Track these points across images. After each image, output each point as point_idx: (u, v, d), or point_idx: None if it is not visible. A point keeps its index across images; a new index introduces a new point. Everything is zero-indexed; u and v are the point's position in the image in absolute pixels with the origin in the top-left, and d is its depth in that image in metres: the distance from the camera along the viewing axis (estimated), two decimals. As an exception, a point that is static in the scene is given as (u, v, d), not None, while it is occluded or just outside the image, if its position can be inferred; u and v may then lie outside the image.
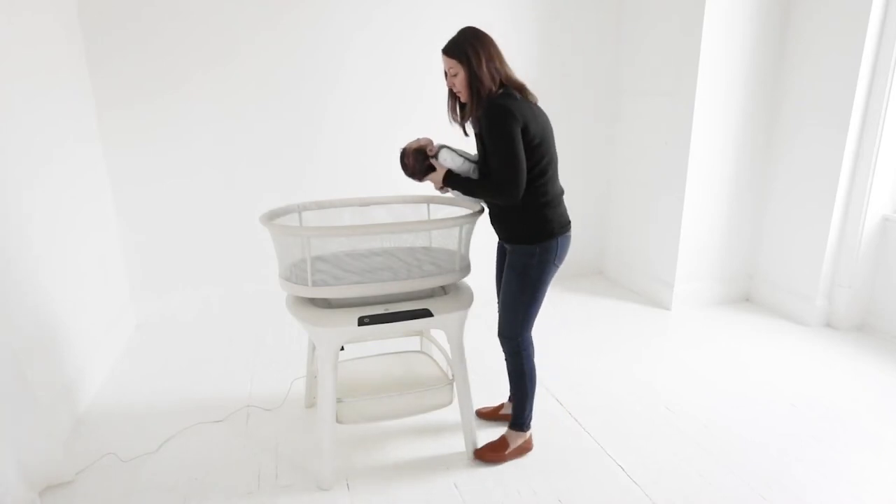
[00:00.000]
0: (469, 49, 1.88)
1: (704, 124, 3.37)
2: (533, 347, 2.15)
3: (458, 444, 2.30)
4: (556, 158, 2.02)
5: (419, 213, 2.42)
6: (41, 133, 2.45)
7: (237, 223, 3.46)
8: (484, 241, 2.90)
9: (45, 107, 2.51)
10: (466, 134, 2.04)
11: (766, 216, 3.68)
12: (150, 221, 3.36)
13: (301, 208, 2.29)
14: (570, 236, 2.06)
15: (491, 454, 2.20)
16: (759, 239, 3.73)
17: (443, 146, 2.03)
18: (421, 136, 2.10)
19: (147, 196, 3.32)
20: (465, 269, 2.13)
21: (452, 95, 2.00)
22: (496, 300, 2.24)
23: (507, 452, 2.20)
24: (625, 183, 4.03)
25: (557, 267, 2.05)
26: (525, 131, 1.86)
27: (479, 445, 2.24)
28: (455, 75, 1.92)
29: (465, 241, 2.10)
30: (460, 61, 1.89)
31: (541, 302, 2.07)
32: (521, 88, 1.94)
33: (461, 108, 2.00)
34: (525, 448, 2.24)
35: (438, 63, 3.63)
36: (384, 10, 3.42)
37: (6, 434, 1.85)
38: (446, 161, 2.01)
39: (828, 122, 3.20)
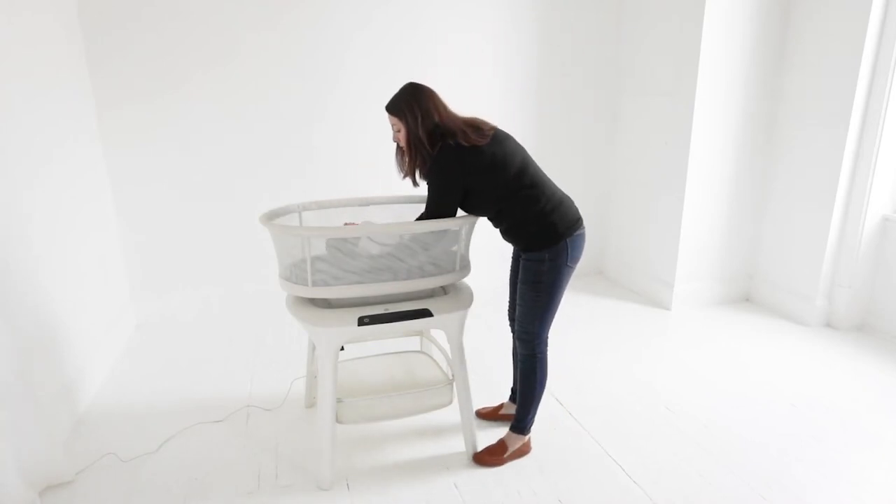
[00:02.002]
0: (405, 107, 1.93)
1: (704, 124, 3.37)
2: (548, 353, 2.15)
3: (458, 445, 2.30)
4: (531, 164, 2.01)
5: (419, 213, 2.41)
6: (41, 133, 2.45)
7: (237, 223, 3.47)
8: (484, 241, 2.90)
9: (45, 107, 2.51)
10: (416, 184, 2.07)
11: (766, 216, 3.68)
12: (150, 221, 3.36)
13: (301, 208, 2.28)
14: (582, 235, 2.04)
15: (489, 458, 2.19)
16: (759, 239, 3.73)
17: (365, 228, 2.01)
18: (354, 224, 2.07)
19: (147, 196, 3.32)
20: (465, 269, 2.13)
21: (400, 149, 2.04)
22: (505, 300, 2.25)
23: (505, 456, 2.20)
24: (625, 183, 4.03)
25: (572, 268, 2.04)
26: (471, 171, 1.91)
27: (479, 446, 2.25)
28: (399, 131, 1.97)
29: (465, 241, 2.10)
30: (400, 119, 1.94)
31: (557, 304, 2.07)
32: (471, 127, 1.93)
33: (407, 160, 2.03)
34: (523, 451, 2.24)
35: (439, 63, 3.65)
36: (384, 11, 3.42)
37: (6, 434, 1.85)
38: (366, 251, 2.01)
39: (828, 122, 3.20)
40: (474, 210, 2.02)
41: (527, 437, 2.24)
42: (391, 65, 3.51)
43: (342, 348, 2.02)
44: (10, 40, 2.25)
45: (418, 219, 2.01)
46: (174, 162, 3.31)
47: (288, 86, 3.38)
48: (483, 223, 2.14)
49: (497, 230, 2.12)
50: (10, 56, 2.25)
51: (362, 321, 1.95)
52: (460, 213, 2.13)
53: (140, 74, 3.14)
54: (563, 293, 2.07)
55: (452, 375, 2.18)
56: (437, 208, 1.97)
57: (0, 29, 2.19)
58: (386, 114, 2.01)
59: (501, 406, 2.49)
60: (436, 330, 2.35)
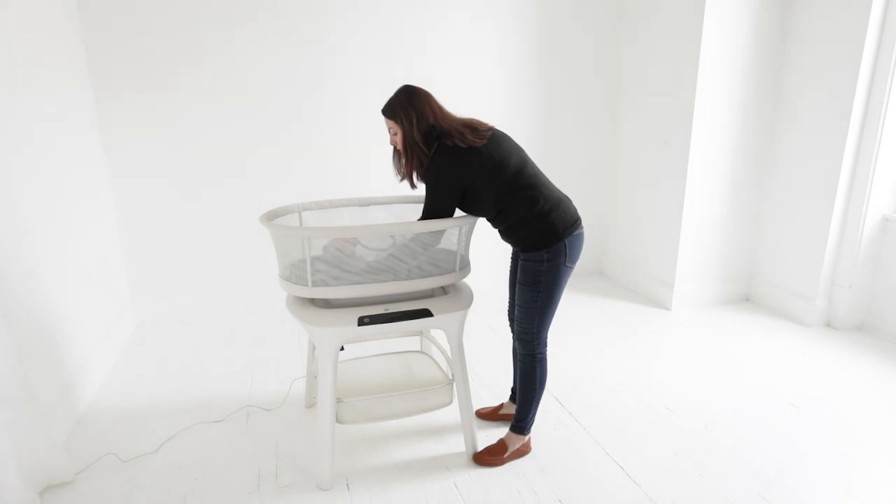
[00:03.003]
0: (401, 110, 1.93)
1: (704, 124, 3.37)
2: (547, 352, 2.15)
3: (458, 445, 2.30)
4: (529, 164, 2.01)
5: (419, 213, 2.42)
6: (39, 131, 2.44)
7: (238, 223, 3.47)
8: (484, 241, 2.91)
9: (43, 101, 2.50)
10: (414, 186, 2.07)
11: (766, 216, 3.68)
12: (151, 221, 3.36)
13: (301, 208, 2.29)
14: (581, 234, 2.04)
15: (489, 458, 2.20)
16: (759, 239, 3.74)
17: (357, 242, 2.01)
18: (346, 241, 2.03)
19: (147, 196, 3.32)
20: (465, 269, 2.13)
21: (397, 151, 2.04)
22: (505, 300, 2.24)
23: (505, 456, 2.20)
24: (625, 183, 4.03)
25: (571, 268, 2.04)
26: (468, 172, 1.91)
27: (479, 446, 2.25)
28: (395, 134, 1.98)
29: (465, 242, 2.10)
30: (396, 122, 1.95)
31: (556, 305, 2.08)
32: (468, 128, 1.94)
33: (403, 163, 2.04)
34: (523, 451, 2.24)
35: (438, 63, 3.65)
36: (385, 9, 3.43)
37: (6, 434, 1.86)
38: (361, 259, 2.00)
39: (828, 122, 3.20)
40: (473, 210, 2.02)
41: (527, 437, 2.24)
42: (392, 64, 3.51)
43: (342, 348, 2.02)
44: (8, 33, 2.24)
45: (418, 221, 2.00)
46: (174, 162, 3.31)
47: (291, 85, 3.39)
48: (483, 223, 2.14)
49: (497, 230, 2.12)
50: (9, 51, 2.24)
51: (362, 321, 1.96)
52: (459, 213, 2.13)
53: (140, 69, 3.13)
54: (561, 293, 2.07)
55: (452, 375, 2.18)
56: (434, 210, 1.97)
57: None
58: (382, 117, 2.01)
59: (501, 406, 2.49)
60: (436, 330, 2.35)
